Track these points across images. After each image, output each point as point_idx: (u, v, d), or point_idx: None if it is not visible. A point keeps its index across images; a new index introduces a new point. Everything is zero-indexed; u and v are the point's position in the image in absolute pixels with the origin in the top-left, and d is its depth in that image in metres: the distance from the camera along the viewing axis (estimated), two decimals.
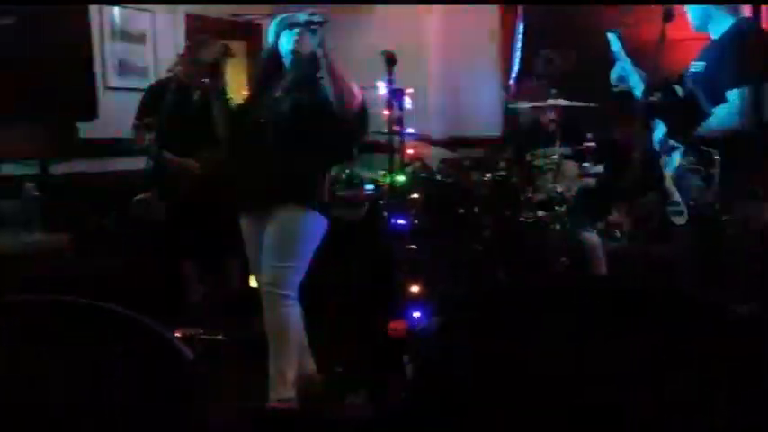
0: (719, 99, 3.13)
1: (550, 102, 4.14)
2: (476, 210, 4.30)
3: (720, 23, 3.25)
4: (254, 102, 3.30)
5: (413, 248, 4.04)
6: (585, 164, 4.18)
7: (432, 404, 1.47)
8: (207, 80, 3.30)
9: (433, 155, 4.97)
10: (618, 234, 4.11)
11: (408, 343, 3.58)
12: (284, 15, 3.27)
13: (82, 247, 3.48)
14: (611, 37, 3.59)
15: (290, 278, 3.14)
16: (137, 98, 4.42)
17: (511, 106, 4.74)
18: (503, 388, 1.43)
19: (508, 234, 4.17)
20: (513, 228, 4.15)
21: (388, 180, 4.02)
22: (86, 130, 4.55)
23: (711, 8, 3.26)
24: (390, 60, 3.52)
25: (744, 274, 3.15)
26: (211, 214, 4.09)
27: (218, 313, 4.25)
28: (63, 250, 3.30)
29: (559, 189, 4.03)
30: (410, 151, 4.35)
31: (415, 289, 3.87)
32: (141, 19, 5.30)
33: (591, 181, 4.20)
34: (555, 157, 4.10)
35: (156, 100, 4.26)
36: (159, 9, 5.40)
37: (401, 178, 4.03)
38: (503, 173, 4.37)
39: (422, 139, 4.60)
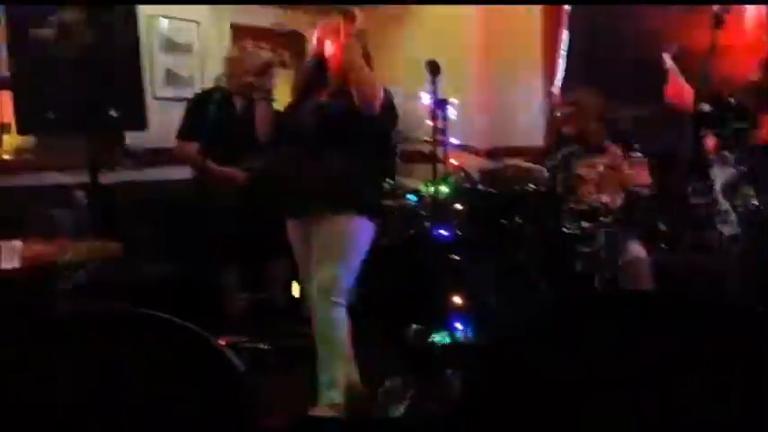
0: None
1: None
2: (519, 220, 4.27)
3: None
4: (300, 107, 3.33)
5: (456, 259, 4.02)
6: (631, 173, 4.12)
7: (476, 418, 1.46)
8: (254, 80, 3.33)
9: (476, 165, 4.95)
10: (665, 246, 4.04)
11: (452, 355, 3.57)
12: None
13: (130, 254, 3.53)
14: (665, 56, 3.60)
15: (340, 284, 3.15)
16: (183, 107, 4.50)
17: (556, 114, 4.70)
18: (549, 404, 1.42)
19: (551, 245, 4.13)
20: (557, 239, 4.10)
21: (431, 190, 4.01)
22: (134, 139, 4.65)
23: None
24: (434, 70, 3.52)
25: None
26: (256, 221, 4.13)
27: (262, 321, 4.27)
28: (112, 257, 3.35)
29: (604, 199, 3.97)
30: (453, 161, 4.34)
31: (457, 300, 3.86)
32: (188, 29, 5.39)
33: (637, 191, 4.14)
34: (600, 167, 4.05)
35: (199, 110, 4.32)
36: (205, 20, 5.48)
37: (444, 189, 4.02)
38: (546, 183, 4.33)
39: (465, 149, 4.58)
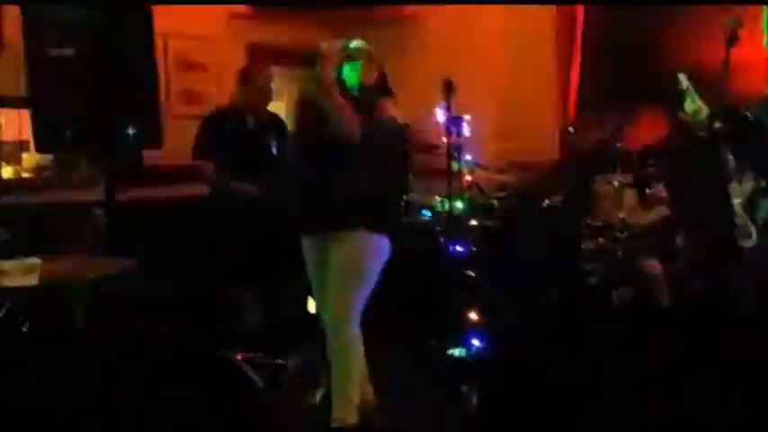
0: None
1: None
2: (534, 236, 4.27)
3: None
4: (316, 128, 3.34)
5: (471, 275, 4.03)
6: (647, 190, 4.12)
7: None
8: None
9: (491, 181, 4.96)
10: (682, 261, 4.02)
11: (467, 370, 3.56)
12: (344, 44, 3.32)
13: (146, 271, 3.56)
14: (681, 77, 3.61)
15: (355, 303, 3.16)
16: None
17: (570, 131, 4.71)
18: (564, 416, 1.41)
19: (568, 261, 4.12)
20: (574, 255, 4.10)
21: (445, 206, 4.02)
22: (151, 156, 4.69)
23: None
24: (449, 88, 3.54)
25: None
26: (271, 237, 4.15)
27: (277, 337, 4.28)
28: (128, 275, 3.37)
29: (621, 215, 3.97)
30: (468, 177, 4.36)
31: (473, 315, 3.85)
32: (204, 48, 5.44)
33: (655, 208, 4.14)
34: (616, 183, 4.05)
35: (213, 128, 4.38)
36: (221, 39, 5.53)
37: (460, 205, 4.03)
38: (562, 199, 4.33)
39: (480, 165, 4.60)
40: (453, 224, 3.97)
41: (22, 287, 2.99)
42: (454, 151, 3.65)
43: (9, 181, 4.28)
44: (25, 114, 4.01)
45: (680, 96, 3.61)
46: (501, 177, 5.07)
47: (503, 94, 5.75)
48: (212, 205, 4.47)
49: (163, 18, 4.32)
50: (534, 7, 5.58)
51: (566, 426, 1.40)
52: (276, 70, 4.77)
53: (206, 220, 4.45)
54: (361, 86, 3.18)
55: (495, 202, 4.63)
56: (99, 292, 3.23)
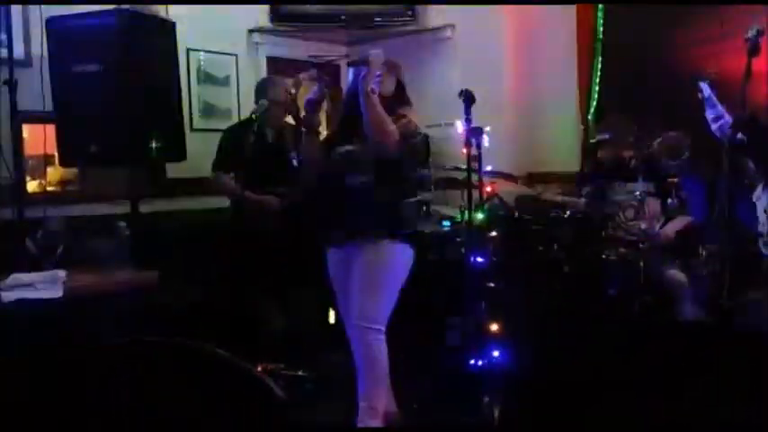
0: None
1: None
2: (555, 247, 4.26)
3: None
4: (340, 138, 3.36)
5: (492, 286, 4.02)
6: (669, 200, 4.10)
7: None
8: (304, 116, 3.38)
9: (511, 192, 4.96)
10: (705, 272, 3.99)
11: (488, 381, 3.55)
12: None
13: (168, 283, 3.59)
14: (703, 85, 3.61)
15: (380, 311, 3.17)
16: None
17: (591, 141, 4.70)
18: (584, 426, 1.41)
19: (590, 272, 4.10)
20: (595, 265, 4.08)
21: (465, 217, 4.02)
22: (173, 169, 4.74)
23: None
24: (469, 99, 3.54)
25: None
26: (293, 248, 4.17)
27: (299, 348, 4.29)
28: (153, 287, 3.40)
29: (643, 225, 3.95)
30: (488, 189, 4.36)
31: (495, 328, 3.84)
32: (225, 62, 5.49)
33: (676, 218, 4.12)
34: (637, 193, 4.03)
35: (233, 142, 4.42)
36: (242, 52, 5.59)
37: (480, 216, 4.03)
38: (583, 209, 4.32)
39: (500, 176, 4.59)
40: (473, 235, 3.96)
41: (47, 299, 3.03)
42: (474, 162, 3.65)
43: (34, 195, 4.33)
44: (50, 129, 4.07)
45: (702, 104, 3.60)
46: (522, 189, 5.07)
47: (523, 105, 5.76)
48: (233, 217, 4.50)
49: (185, 32, 4.38)
50: (555, 18, 5.59)
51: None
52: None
53: (227, 233, 4.48)
54: (381, 95, 3.20)
55: (516, 213, 4.63)
56: (123, 304, 3.26)
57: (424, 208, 4.58)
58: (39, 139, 4.21)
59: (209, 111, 5.40)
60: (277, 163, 4.36)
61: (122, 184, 4.25)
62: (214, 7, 5.23)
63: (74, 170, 4.61)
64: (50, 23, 3.91)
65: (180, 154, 4.17)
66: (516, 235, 4.39)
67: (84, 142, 3.83)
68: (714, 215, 3.61)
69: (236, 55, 5.55)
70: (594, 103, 5.41)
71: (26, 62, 4.28)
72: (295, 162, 4.31)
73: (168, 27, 4.16)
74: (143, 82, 3.88)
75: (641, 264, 3.90)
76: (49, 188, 4.54)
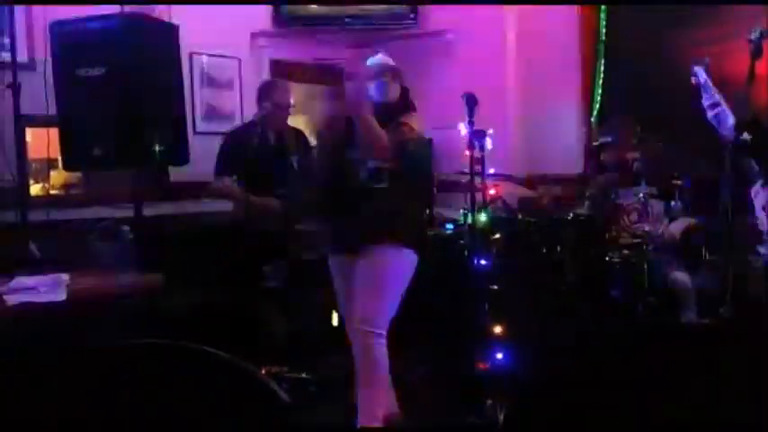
0: None
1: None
2: (559, 249, 4.25)
3: None
4: (342, 145, 3.36)
5: (495, 289, 4.02)
6: (673, 202, 4.09)
7: None
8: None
9: (514, 194, 4.96)
10: (708, 273, 3.98)
11: (491, 385, 3.55)
12: (371, 62, 3.35)
13: (172, 285, 3.59)
14: (698, 70, 3.56)
15: (383, 316, 3.17)
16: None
17: (594, 143, 4.70)
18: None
19: (593, 274, 4.10)
20: (599, 268, 4.07)
21: (468, 219, 4.02)
22: (176, 173, 4.75)
23: None
24: (471, 102, 3.55)
25: None
26: (295, 252, 4.17)
27: (302, 351, 4.29)
28: (156, 290, 3.40)
29: (646, 228, 3.95)
30: (491, 191, 4.35)
31: (498, 330, 3.84)
32: (228, 65, 5.50)
33: (679, 219, 4.11)
34: (641, 195, 4.03)
35: (235, 145, 4.43)
36: (245, 55, 5.60)
37: (483, 218, 4.02)
38: (586, 212, 4.31)
39: (503, 178, 4.59)
40: (476, 237, 3.96)
41: (50, 303, 3.03)
42: (477, 165, 3.65)
43: (38, 198, 4.34)
44: (54, 132, 4.08)
45: (697, 91, 3.56)
46: (525, 191, 5.07)
47: (525, 108, 5.76)
48: (235, 221, 4.51)
49: (188, 35, 4.38)
50: (557, 20, 5.59)
51: None
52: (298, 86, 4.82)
53: (230, 236, 4.49)
54: (385, 103, 3.19)
55: (519, 215, 4.63)
56: (126, 307, 3.26)
57: (427, 211, 4.58)
58: (42, 142, 4.22)
59: (212, 114, 5.41)
60: (279, 166, 4.36)
61: (125, 187, 4.26)
62: (217, 10, 5.24)
63: (77, 174, 4.62)
64: (54, 27, 3.92)
65: (183, 157, 4.18)
66: (519, 237, 4.39)
67: (87, 146, 3.83)
68: (717, 216, 3.61)
69: (239, 58, 5.56)
70: (597, 105, 5.41)
71: (30, 66, 4.29)
72: (296, 165, 4.32)
73: (171, 30, 4.16)
74: (146, 85, 3.89)
75: (645, 266, 3.90)
76: (52, 191, 4.55)
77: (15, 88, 3.79)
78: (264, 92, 4.54)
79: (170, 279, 3.58)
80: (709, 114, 3.51)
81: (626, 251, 3.98)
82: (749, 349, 1.34)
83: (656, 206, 4.15)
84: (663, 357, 1.41)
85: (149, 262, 3.71)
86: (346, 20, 5.75)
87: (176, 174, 4.77)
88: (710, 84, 3.53)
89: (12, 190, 3.86)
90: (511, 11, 5.75)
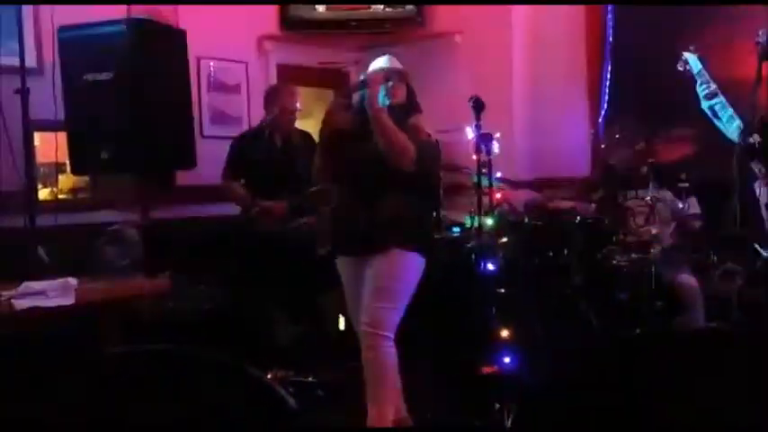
0: None
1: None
2: (566, 252, 4.25)
3: None
4: (351, 147, 3.36)
5: (502, 292, 4.01)
6: (680, 205, 4.08)
7: None
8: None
9: (521, 197, 4.95)
10: (716, 276, 3.97)
11: (498, 388, 3.54)
12: (379, 66, 3.35)
13: (179, 289, 3.60)
14: (691, 58, 3.52)
15: (390, 319, 3.17)
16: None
17: (601, 146, 4.69)
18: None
19: (600, 277, 4.09)
20: (606, 271, 4.06)
21: (475, 223, 4.02)
22: (183, 176, 4.76)
23: None
24: (478, 105, 3.54)
25: None
26: (304, 254, 4.18)
27: (309, 354, 4.29)
28: (164, 294, 3.42)
29: (654, 231, 3.93)
30: (498, 195, 4.35)
31: (505, 334, 3.83)
32: (236, 69, 5.52)
33: (687, 222, 4.10)
34: (648, 198, 4.01)
35: (242, 149, 4.45)
36: (252, 60, 5.61)
37: (490, 222, 4.02)
38: (594, 215, 4.31)
39: (510, 182, 4.59)
40: (483, 241, 3.96)
41: (58, 307, 3.04)
42: (484, 168, 3.65)
43: (46, 202, 4.35)
44: (62, 137, 4.09)
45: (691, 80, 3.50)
46: (532, 194, 5.06)
47: (532, 110, 5.75)
48: (242, 224, 4.52)
49: (195, 40, 4.40)
50: (564, 22, 5.58)
51: None
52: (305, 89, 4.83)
53: (237, 239, 4.50)
54: (392, 106, 3.19)
55: (526, 218, 4.62)
56: (134, 311, 3.28)
57: (435, 214, 4.58)
58: (50, 147, 4.24)
59: (219, 118, 5.43)
60: (286, 169, 4.38)
61: (133, 191, 4.27)
62: (224, 15, 5.26)
63: (85, 178, 4.64)
64: (62, 32, 3.94)
65: (190, 161, 4.19)
66: (526, 240, 4.38)
67: (95, 150, 3.85)
68: (726, 219, 3.59)
69: (246, 62, 5.58)
70: (604, 107, 5.40)
71: (38, 70, 4.31)
72: (303, 168, 4.33)
73: (178, 35, 4.18)
74: (154, 90, 3.90)
75: (652, 269, 3.88)
76: (60, 196, 4.57)
77: (24, 93, 3.80)
78: (271, 96, 4.55)
79: (177, 283, 3.59)
80: (705, 104, 3.45)
81: (633, 254, 3.97)
82: (757, 354, 1.34)
83: (664, 209, 4.14)
84: (670, 361, 1.41)
85: (157, 266, 3.71)
86: (353, 23, 5.75)
87: (184, 177, 4.78)
88: (706, 73, 3.48)
89: (20, 194, 3.87)
90: (518, 13, 5.74)
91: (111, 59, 3.80)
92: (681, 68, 3.58)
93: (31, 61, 4.15)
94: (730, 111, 3.32)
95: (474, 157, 3.60)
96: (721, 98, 3.39)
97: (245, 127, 5.31)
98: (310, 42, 5.96)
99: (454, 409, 3.71)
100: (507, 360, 3.74)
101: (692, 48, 3.62)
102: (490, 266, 3.88)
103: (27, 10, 4.28)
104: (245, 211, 4.50)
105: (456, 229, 4.65)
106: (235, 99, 5.52)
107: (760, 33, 3.23)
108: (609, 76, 5.41)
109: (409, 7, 5.83)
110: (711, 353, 1.41)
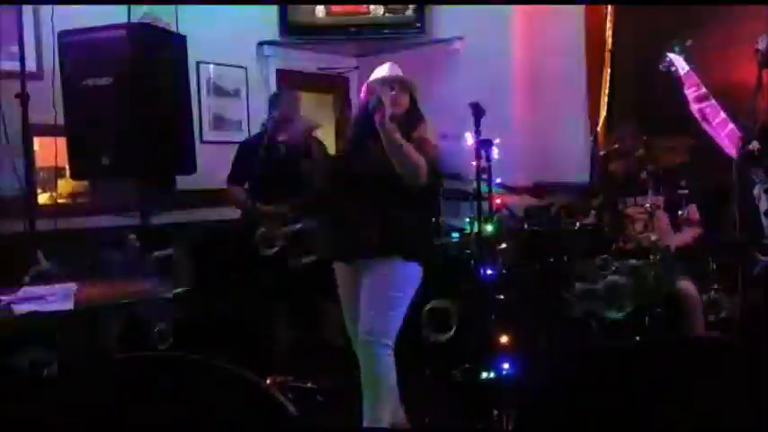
0: None
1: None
2: (565, 259, 4.24)
3: None
4: (351, 156, 3.36)
5: (501, 298, 4.01)
6: (680, 212, 4.08)
7: None
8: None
9: (521, 203, 4.96)
10: (716, 284, 3.96)
11: (498, 395, 3.54)
12: (383, 76, 3.35)
13: (179, 295, 3.60)
14: (677, 59, 3.43)
15: (389, 328, 3.16)
16: (230, 151, 4.61)
17: (601, 153, 4.69)
18: None
19: (599, 284, 4.08)
20: (604, 277, 4.06)
21: (474, 229, 4.02)
22: (183, 181, 4.76)
23: None
24: (478, 111, 3.55)
25: None
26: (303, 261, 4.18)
27: (308, 361, 4.29)
28: (164, 299, 3.41)
29: (653, 237, 3.93)
30: (497, 201, 4.35)
31: (504, 340, 3.83)
32: (236, 74, 5.53)
33: (686, 229, 4.10)
34: (647, 205, 4.01)
35: (245, 154, 4.45)
36: (252, 65, 5.62)
37: (489, 228, 4.02)
38: (593, 221, 4.30)
39: (509, 188, 4.59)
40: (483, 247, 3.96)
41: (57, 312, 3.03)
42: (483, 174, 3.66)
43: (45, 207, 4.36)
44: (61, 141, 4.10)
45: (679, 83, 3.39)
46: (531, 200, 5.07)
47: (531, 116, 5.75)
48: (244, 229, 4.51)
49: (195, 45, 4.40)
50: (563, 28, 5.59)
51: None
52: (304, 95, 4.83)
53: (237, 245, 4.50)
54: (395, 115, 3.17)
55: (526, 224, 4.62)
56: (133, 316, 3.27)
57: (433, 219, 4.58)
58: (50, 151, 4.25)
59: (219, 123, 5.43)
60: (286, 175, 4.38)
61: (133, 196, 4.27)
62: (224, 20, 5.27)
63: (85, 183, 4.64)
64: (62, 37, 3.95)
65: (190, 166, 4.19)
66: (526, 247, 4.38)
67: (95, 155, 3.86)
68: (724, 226, 3.59)
69: (245, 67, 5.59)
70: (604, 114, 5.41)
71: (38, 75, 4.32)
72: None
73: (179, 40, 4.19)
74: (154, 95, 3.91)
75: (652, 276, 3.88)
76: (60, 200, 4.57)
77: (24, 97, 3.81)
78: (274, 102, 4.56)
79: (177, 288, 3.58)
80: (695, 107, 3.36)
81: (633, 261, 3.96)
82: (756, 361, 1.34)
83: (663, 216, 4.13)
84: (670, 369, 1.41)
85: (158, 271, 3.71)
86: (352, 29, 5.76)
87: (184, 182, 4.78)
88: (694, 74, 3.39)
89: (20, 198, 3.87)
90: (517, 19, 5.75)
91: (111, 64, 3.81)
92: (665, 70, 3.48)
93: (31, 66, 4.15)
94: (723, 115, 3.28)
95: (474, 162, 3.61)
96: (712, 101, 3.32)
97: (245, 132, 5.32)
98: (310, 47, 5.97)
99: (453, 415, 3.71)
100: (506, 366, 3.74)
101: (677, 48, 3.52)
102: (489, 272, 3.88)
103: (27, 14, 4.29)
104: (245, 216, 4.50)
105: (455, 235, 4.65)
106: (234, 104, 5.53)
107: (759, 40, 3.23)
108: (608, 83, 5.41)
109: (409, 13, 5.84)
110: (711, 360, 1.41)
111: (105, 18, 4.09)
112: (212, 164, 4.64)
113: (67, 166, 4.14)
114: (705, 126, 3.31)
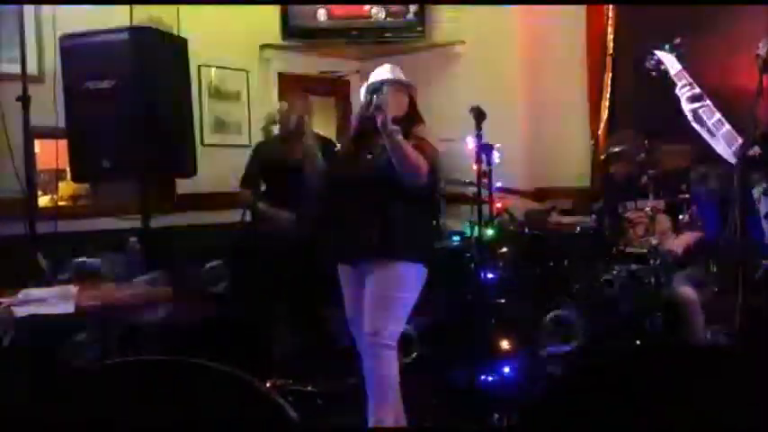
0: None
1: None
2: (566, 263, 4.24)
3: None
4: (352, 158, 3.36)
5: (501, 302, 4.01)
6: (680, 216, 4.08)
7: None
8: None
9: (521, 207, 4.96)
10: (716, 288, 3.96)
11: (497, 398, 3.54)
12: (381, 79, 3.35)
13: (181, 298, 3.59)
14: (666, 57, 3.31)
15: (393, 329, 3.16)
16: (230, 154, 4.62)
17: (602, 157, 4.69)
18: None
19: (600, 288, 4.08)
20: (605, 282, 4.06)
21: (475, 232, 4.02)
22: (183, 185, 4.77)
23: None
24: (479, 115, 3.55)
25: None
26: (306, 263, 4.17)
27: (308, 364, 4.29)
28: (165, 302, 3.41)
29: (654, 242, 3.93)
30: (498, 204, 4.36)
31: (504, 343, 3.83)
32: (237, 78, 5.53)
33: (686, 233, 4.10)
34: (648, 209, 4.01)
35: (257, 158, 4.46)
36: (254, 68, 5.63)
37: (490, 231, 4.02)
38: (594, 225, 4.31)
39: (510, 192, 4.60)
40: (483, 250, 3.96)
41: (58, 315, 3.03)
42: (484, 178, 3.66)
43: (46, 209, 4.36)
44: (62, 144, 4.10)
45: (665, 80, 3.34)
46: (532, 204, 5.07)
47: (532, 120, 5.76)
48: (251, 233, 4.52)
49: (196, 48, 4.41)
50: (565, 32, 5.59)
51: None
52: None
53: (241, 248, 4.50)
54: (395, 117, 3.18)
55: (526, 228, 4.62)
56: (134, 320, 3.27)
57: (434, 222, 4.58)
58: (51, 154, 4.25)
59: (220, 126, 5.44)
60: (295, 179, 4.37)
61: (134, 199, 4.28)
62: (226, 23, 5.28)
63: (85, 185, 4.64)
64: (63, 40, 3.95)
65: (191, 169, 4.19)
66: (526, 250, 4.38)
67: (95, 157, 3.86)
68: (725, 231, 3.59)
69: (247, 71, 5.59)
70: (605, 118, 5.41)
71: (39, 78, 4.32)
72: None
73: (180, 43, 4.19)
74: (155, 98, 3.91)
75: (652, 280, 3.88)
76: (60, 203, 4.57)
77: (25, 100, 3.81)
78: (283, 105, 4.56)
79: (178, 291, 3.59)
80: (688, 107, 3.28)
81: (633, 265, 3.97)
82: (757, 367, 1.34)
83: (664, 220, 4.13)
84: (669, 373, 1.40)
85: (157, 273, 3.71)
86: (353, 33, 5.77)
87: (185, 185, 4.79)
88: (686, 74, 3.31)
89: (21, 201, 3.87)
90: (519, 23, 5.76)
91: (112, 68, 3.81)
92: (652, 69, 3.39)
93: (32, 69, 4.16)
94: (718, 115, 3.24)
95: (474, 166, 3.61)
96: (707, 101, 3.26)
97: (246, 135, 5.33)
98: (311, 51, 5.98)
99: (454, 418, 3.70)
100: (506, 370, 3.74)
101: (667, 46, 3.45)
102: (490, 276, 3.89)
103: (29, 17, 4.30)
104: (255, 220, 4.51)
105: (456, 238, 4.65)
106: (235, 107, 5.53)
107: (760, 45, 3.22)
108: (609, 86, 5.41)
109: (410, 17, 5.85)
110: (711, 365, 1.41)
111: (106, 21, 4.10)
112: (213, 166, 4.64)
113: (68, 169, 4.15)
114: (697, 126, 3.26)
